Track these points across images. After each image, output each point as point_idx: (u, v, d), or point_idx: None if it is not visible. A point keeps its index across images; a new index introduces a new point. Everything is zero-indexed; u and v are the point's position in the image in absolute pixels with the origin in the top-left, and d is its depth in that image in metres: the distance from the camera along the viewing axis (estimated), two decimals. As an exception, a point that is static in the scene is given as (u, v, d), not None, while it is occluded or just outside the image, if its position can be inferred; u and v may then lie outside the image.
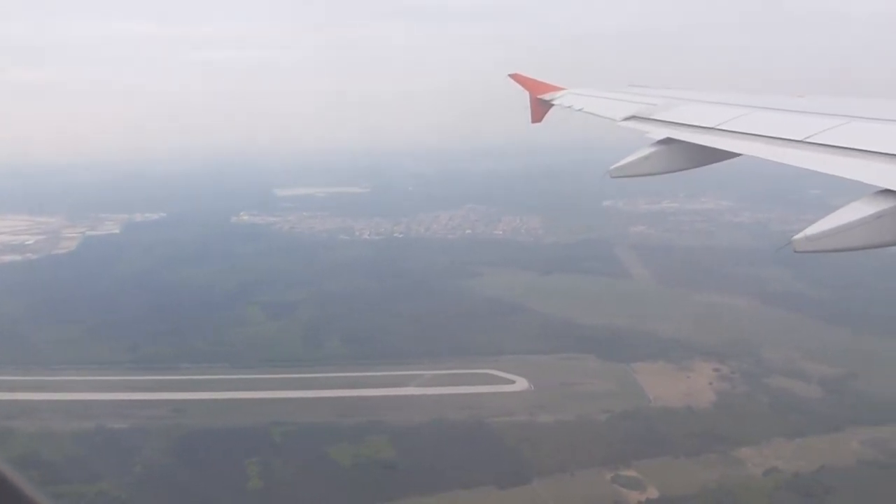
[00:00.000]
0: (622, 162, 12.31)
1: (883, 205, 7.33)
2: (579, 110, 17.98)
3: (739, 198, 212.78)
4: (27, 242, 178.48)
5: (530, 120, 20.91)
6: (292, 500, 62.18)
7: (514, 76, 21.20)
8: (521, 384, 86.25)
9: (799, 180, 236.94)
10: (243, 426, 76.31)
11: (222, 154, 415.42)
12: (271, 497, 62.68)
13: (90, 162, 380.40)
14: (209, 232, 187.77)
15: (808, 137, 9.46)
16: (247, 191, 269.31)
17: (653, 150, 12.10)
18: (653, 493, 62.20)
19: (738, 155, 11.00)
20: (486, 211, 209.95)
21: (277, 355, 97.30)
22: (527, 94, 21.09)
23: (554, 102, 19.66)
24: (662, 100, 14.87)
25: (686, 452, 68.52)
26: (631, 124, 14.42)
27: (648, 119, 13.54)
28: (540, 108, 19.94)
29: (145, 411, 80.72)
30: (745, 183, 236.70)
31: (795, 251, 7.54)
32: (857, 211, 7.47)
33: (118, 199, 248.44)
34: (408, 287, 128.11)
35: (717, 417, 76.06)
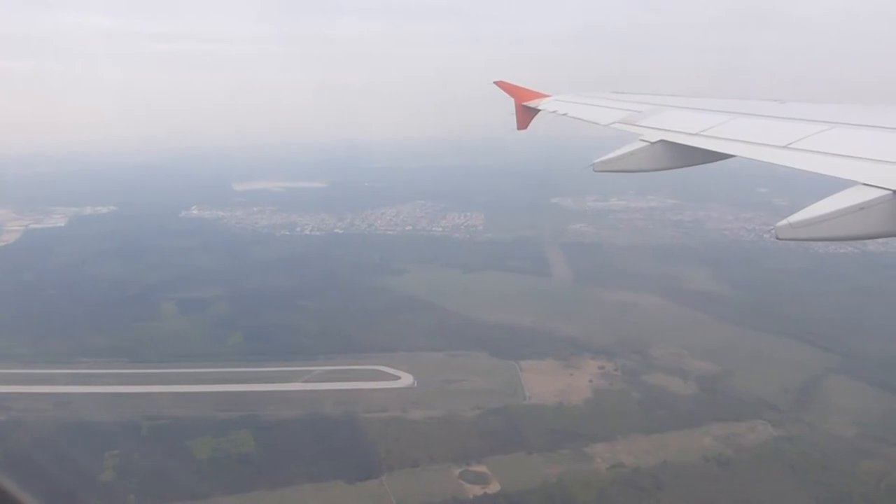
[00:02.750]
0: (607, 156, 12.48)
1: (866, 196, 7.45)
2: (563, 115, 18.29)
3: (687, 196, 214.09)
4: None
5: (516, 126, 21.02)
6: (135, 492, 62.53)
7: (499, 83, 21.46)
8: (405, 381, 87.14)
9: (751, 179, 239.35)
10: (117, 419, 76.82)
11: (189, 148, 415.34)
12: (116, 488, 63.23)
13: (53, 154, 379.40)
14: (154, 226, 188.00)
15: (790, 144, 9.74)
16: (205, 185, 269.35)
17: (639, 146, 12.29)
18: (494, 487, 63.26)
19: (723, 157, 11.26)
20: (434, 207, 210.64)
21: (177, 351, 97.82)
22: (512, 100, 21.20)
23: (539, 108, 19.78)
24: (646, 106, 15.15)
25: (540, 448, 69.57)
26: (617, 128, 14.58)
27: (633, 125, 13.80)
28: (525, 115, 20.30)
29: (26, 404, 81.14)
30: (698, 181, 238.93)
31: (778, 238, 7.75)
32: (841, 201, 7.56)
33: (73, 191, 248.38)
34: (327, 284, 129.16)
35: (583, 414, 77.25)
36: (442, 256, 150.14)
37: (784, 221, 7.64)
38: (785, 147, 9.77)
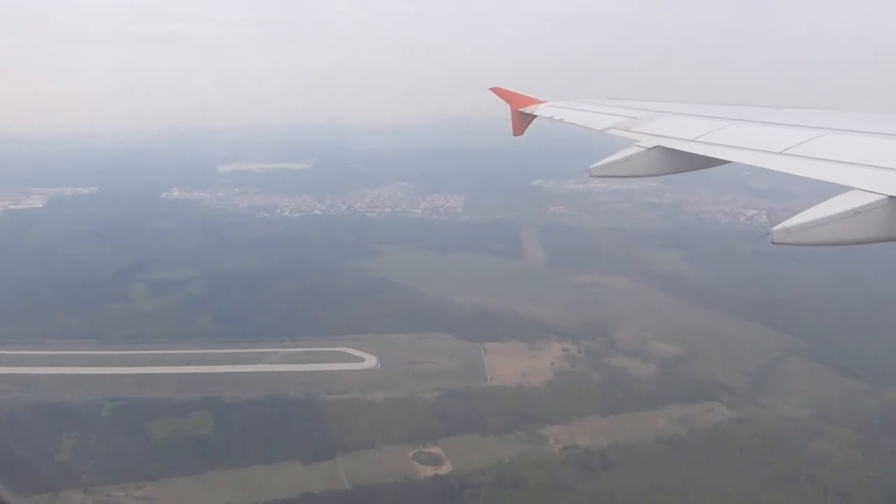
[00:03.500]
0: (603, 162, 12.52)
1: (861, 202, 7.51)
2: (559, 121, 18.37)
3: (668, 179, 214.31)
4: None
5: (512, 132, 20.96)
6: (90, 472, 62.86)
7: (494, 90, 21.56)
8: (369, 362, 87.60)
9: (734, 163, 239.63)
10: (79, 401, 77.02)
11: (175, 129, 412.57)
12: (72, 468, 63.56)
13: (35, 134, 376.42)
14: (133, 207, 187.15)
15: (786, 149, 9.81)
16: (189, 166, 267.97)
17: (635, 152, 12.30)
18: (446, 468, 63.91)
19: (719, 163, 11.35)
20: (415, 189, 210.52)
21: (145, 332, 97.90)
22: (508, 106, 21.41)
23: (535, 114, 19.69)
24: (642, 112, 15.19)
25: (496, 430, 70.18)
26: (613, 134, 14.62)
27: (629, 131, 13.86)
28: (521, 121, 20.44)
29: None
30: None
31: (773, 242, 7.71)
32: (837, 206, 7.61)
33: (54, 172, 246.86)
34: (301, 265, 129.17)
35: (542, 396, 77.86)
36: (418, 238, 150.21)
37: (780, 226, 7.75)
38: (780, 153, 9.91)
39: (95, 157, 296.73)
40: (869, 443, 66.51)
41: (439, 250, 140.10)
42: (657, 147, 12.18)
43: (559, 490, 59.66)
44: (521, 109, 20.55)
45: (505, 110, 22.82)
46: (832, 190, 8.01)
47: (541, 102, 20.67)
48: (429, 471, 63.74)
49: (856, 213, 7.48)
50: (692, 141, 11.82)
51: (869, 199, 7.57)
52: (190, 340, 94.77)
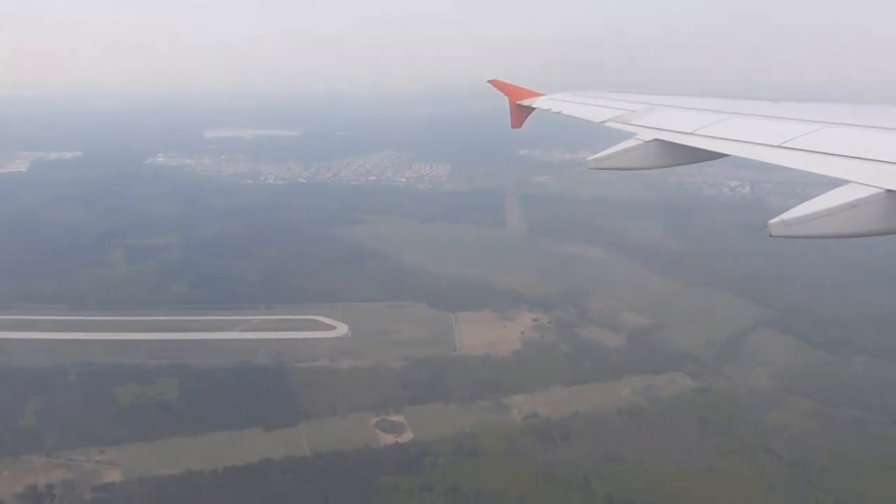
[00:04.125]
0: (601, 154, 12.46)
1: (859, 195, 7.49)
2: (557, 113, 18.23)
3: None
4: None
5: (511, 125, 20.72)
6: (53, 437, 63.18)
7: (493, 82, 21.23)
8: (340, 330, 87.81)
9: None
10: (48, 366, 77.19)
11: (165, 93, 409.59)
12: (35, 433, 63.93)
13: (24, 96, 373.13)
14: (117, 173, 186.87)
15: (784, 143, 9.75)
16: (176, 131, 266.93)
17: (633, 144, 12.26)
18: (407, 436, 64.35)
19: (717, 156, 11.23)
20: (402, 157, 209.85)
21: (120, 298, 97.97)
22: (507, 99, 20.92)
23: (534, 106, 19.58)
24: (640, 105, 15.15)
25: (460, 399, 70.55)
26: (611, 126, 14.53)
27: (627, 124, 13.80)
28: (519, 114, 20.22)
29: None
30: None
31: (771, 235, 7.63)
32: (834, 199, 7.56)
33: (40, 136, 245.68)
34: (281, 234, 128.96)
35: (509, 366, 78.18)
36: (401, 207, 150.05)
37: (777, 219, 7.64)
38: (778, 146, 9.84)
39: (81, 121, 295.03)
40: (827, 413, 67.12)
41: (420, 219, 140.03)
42: (655, 140, 12.19)
43: (516, 459, 60.12)
44: (519, 102, 20.47)
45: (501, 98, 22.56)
46: (830, 183, 8.01)
47: (539, 95, 20.56)
48: (389, 439, 64.16)
49: (854, 206, 7.46)
50: (690, 134, 11.82)
51: (867, 192, 7.56)
52: (164, 307, 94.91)
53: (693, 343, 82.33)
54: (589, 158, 12.71)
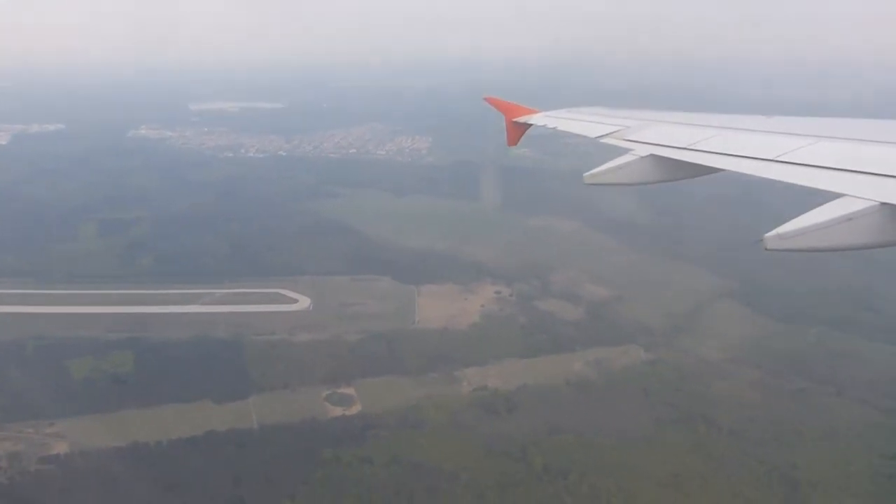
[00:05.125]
0: (597, 169, 12.70)
1: (853, 208, 7.63)
2: (553, 129, 18.34)
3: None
4: None
5: (507, 142, 20.82)
6: (3, 409, 63.71)
7: (489, 100, 21.27)
8: (302, 304, 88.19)
9: (694, 100, 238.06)
10: (4, 339, 77.81)
11: (153, 64, 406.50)
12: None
13: (12, 68, 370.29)
14: (97, 146, 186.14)
15: (779, 156, 9.89)
16: (160, 103, 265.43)
17: (628, 159, 12.44)
18: (355, 409, 64.98)
19: (712, 171, 11.32)
20: (385, 130, 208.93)
21: (87, 272, 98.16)
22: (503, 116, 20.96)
23: (530, 123, 19.52)
24: (635, 121, 15.27)
25: (412, 372, 71.08)
26: (607, 142, 14.71)
27: (623, 140, 14.00)
28: (515, 131, 20.25)
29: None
30: (639, 106, 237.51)
31: (766, 249, 7.78)
32: (828, 212, 7.71)
33: (23, 108, 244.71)
34: (253, 207, 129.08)
35: (465, 339, 78.66)
36: (378, 180, 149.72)
37: (773, 232, 7.77)
38: (773, 160, 9.98)
39: (67, 94, 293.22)
40: (773, 383, 67.72)
41: (396, 193, 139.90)
42: (651, 155, 12.33)
43: (459, 431, 60.73)
44: (515, 119, 20.57)
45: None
46: (824, 196, 8.13)
47: (535, 112, 20.69)
48: (337, 411, 64.76)
49: (848, 219, 7.60)
50: (685, 149, 11.93)
51: (861, 205, 7.69)
52: (129, 281, 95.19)
53: (651, 315, 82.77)
54: (585, 174, 12.98)
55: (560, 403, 64.67)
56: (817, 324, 79.31)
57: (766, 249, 7.79)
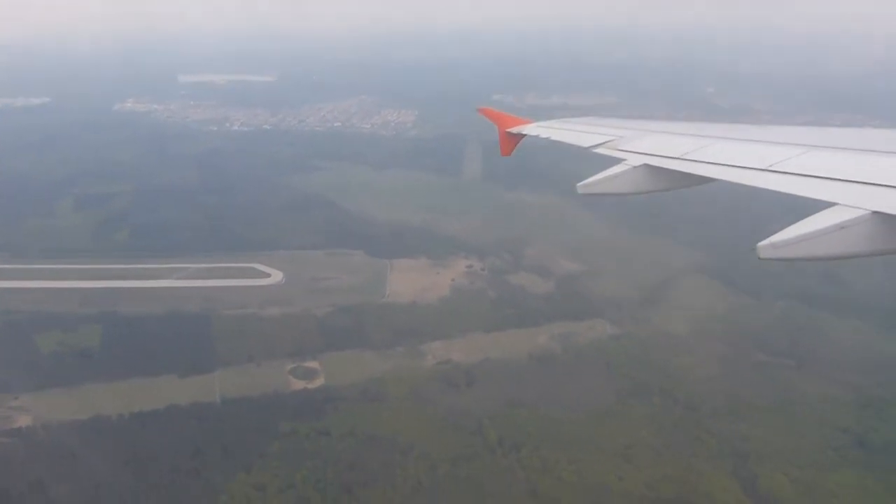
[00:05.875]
0: (591, 179, 12.47)
1: (845, 216, 7.70)
2: (546, 138, 18.19)
3: (628, 94, 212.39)
4: None
5: (500, 153, 20.76)
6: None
7: (482, 110, 21.36)
8: (275, 278, 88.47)
9: (695, 74, 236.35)
10: (-24, 315, 78.03)
11: (149, 35, 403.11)
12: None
13: (3, 41, 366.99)
14: (82, 119, 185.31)
15: (771, 166, 9.91)
16: (149, 76, 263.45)
17: (622, 169, 12.41)
18: (318, 382, 65.57)
19: (705, 181, 11.36)
20: (372, 103, 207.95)
21: (62, 246, 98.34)
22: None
23: (523, 133, 19.59)
24: (629, 132, 15.17)
25: (378, 346, 71.58)
26: (600, 152, 14.59)
27: (616, 150, 13.91)
28: (509, 142, 20.23)
29: None
30: (642, 79, 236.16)
31: (760, 258, 7.82)
32: (821, 221, 7.76)
33: (10, 81, 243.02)
34: (233, 182, 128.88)
35: (433, 313, 79.02)
36: (360, 154, 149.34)
37: (766, 241, 7.82)
38: (765, 169, 10.03)
39: (54, 66, 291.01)
40: (734, 357, 68.20)
41: (377, 167, 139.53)
42: (644, 165, 12.36)
43: (417, 405, 61.33)
44: (508, 130, 20.62)
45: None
46: (817, 206, 8.21)
47: (528, 122, 20.74)
48: (300, 385, 65.30)
49: (840, 227, 7.66)
50: (678, 159, 11.99)
51: (853, 213, 7.77)
52: (104, 255, 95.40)
53: (621, 289, 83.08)
54: (578, 184, 12.76)
55: (521, 377, 65.15)
56: (784, 298, 79.58)
57: (760, 259, 7.91)
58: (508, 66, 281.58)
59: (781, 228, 7.89)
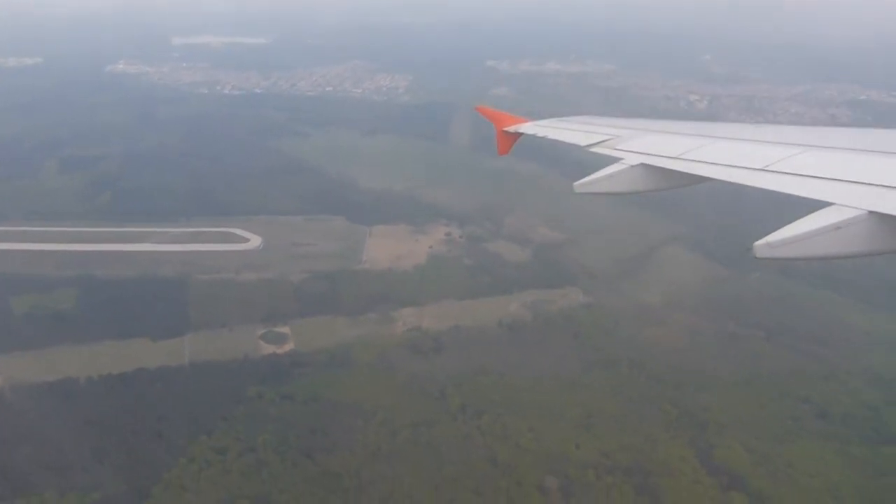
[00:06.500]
0: (588, 178, 12.52)
1: (842, 217, 7.71)
2: (542, 137, 18.01)
3: (626, 62, 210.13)
4: None
5: (497, 152, 20.95)
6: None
7: (479, 109, 20.99)
8: (253, 243, 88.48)
9: (694, 41, 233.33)
10: (-49, 276, 78.19)
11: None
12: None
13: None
14: (73, 80, 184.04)
15: (768, 166, 9.93)
16: (143, 36, 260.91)
17: (619, 168, 12.41)
18: (287, 347, 65.90)
19: (702, 180, 11.34)
20: (366, 68, 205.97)
21: (44, 209, 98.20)
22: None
23: (520, 132, 19.30)
24: (626, 131, 15.01)
25: (350, 312, 71.79)
26: (597, 152, 14.43)
27: (613, 149, 13.83)
28: (506, 140, 19.72)
29: None
30: (638, 47, 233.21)
31: (756, 257, 7.86)
32: (817, 221, 7.78)
33: (3, 41, 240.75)
34: (219, 146, 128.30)
35: (408, 280, 79.12)
36: (349, 119, 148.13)
37: (762, 241, 7.83)
38: (762, 169, 10.01)
39: (49, 26, 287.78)
40: (704, 328, 68.38)
41: (365, 132, 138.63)
42: (641, 164, 12.32)
43: (383, 371, 61.64)
44: (505, 129, 20.35)
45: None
46: (815, 206, 8.18)
47: (525, 121, 20.49)
48: (270, 349, 65.60)
49: (836, 227, 7.66)
50: (675, 158, 11.96)
51: (849, 213, 7.77)
52: (85, 218, 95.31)
53: (599, 259, 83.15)
54: (575, 183, 12.76)
55: (488, 345, 65.43)
56: (760, 269, 79.28)
57: (756, 258, 7.91)
58: (505, 32, 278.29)
59: (777, 228, 7.88)
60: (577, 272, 79.94)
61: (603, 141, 14.54)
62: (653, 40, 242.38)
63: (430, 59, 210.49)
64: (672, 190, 12.54)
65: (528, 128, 19.29)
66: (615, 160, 12.88)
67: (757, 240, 7.83)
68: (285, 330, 68.83)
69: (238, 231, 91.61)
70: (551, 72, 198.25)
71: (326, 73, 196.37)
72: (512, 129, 19.72)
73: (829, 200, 8.20)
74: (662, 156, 12.24)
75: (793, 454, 51.51)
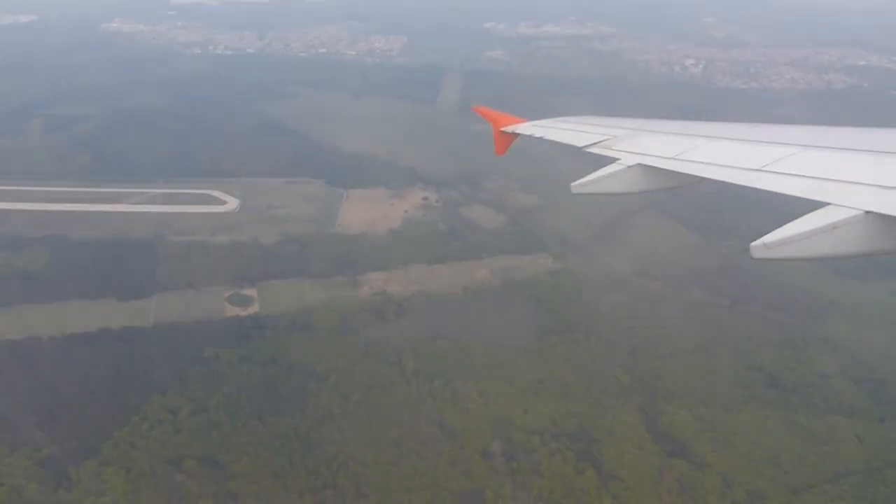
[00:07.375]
0: (585, 178, 12.52)
1: (838, 217, 7.77)
2: (540, 138, 18.14)
3: (626, 25, 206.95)
4: None
5: (494, 152, 20.67)
6: None
7: (477, 109, 21.37)
8: (230, 205, 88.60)
9: (698, 4, 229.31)
10: (-76, 234, 78.81)
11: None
12: None
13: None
14: (67, 39, 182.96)
15: (764, 166, 9.97)
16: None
17: (616, 169, 12.43)
18: (252, 310, 66.34)
19: (698, 180, 11.38)
20: (362, 29, 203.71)
21: (23, 168, 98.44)
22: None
23: (517, 132, 19.46)
24: (623, 131, 15.06)
25: (318, 275, 72.14)
26: (594, 152, 14.57)
27: (610, 149, 13.88)
28: (503, 140, 20.16)
29: None
30: (641, 10, 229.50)
31: (753, 258, 7.88)
32: (814, 221, 7.83)
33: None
34: (205, 107, 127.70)
35: (380, 244, 79.21)
36: (339, 81, 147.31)
37: (759, 241, 7.87)
38: (758, 170, 10.04)
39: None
40: (669, 295, 68.40)
41: (354, 94, 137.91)
42: (638, 165, 12.33)
43: (342, 334, 62.04)
44: (502, 129, 20.38)
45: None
46: (811, 206, 8.23)
47: (522, 121, 20.48)
48: (234, 311, 66.08)
49: (833, 227, 7.71)
50: (672, 158, 11.98)
51: (845, 214, 7.82)
52: (64, 178, 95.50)
53: (572, 225, 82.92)
54: (573, 184, 12.72)
55: (451, 310, 65.72)
56: (734, 237, 78.97)
57: (753, 258, 7.91)
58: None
59: (774, 228, 7.88)
60: (549, 239, 79.92)
61: (600, 141, 14.63)
62: (657, 2, 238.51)
63: (427, 21, 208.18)
64: (670, 190, 12.56)
65: (526, 128, 19.44)
66: (612, 160, 12.92)
67: (753, 240, 7.79)
68: (252, 293, 69.24)
69: (216, 193, 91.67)
70: (548, 35, 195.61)
71: (321, 34, 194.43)
72: (509, 129, 19.96)
73: (826, 200, 8.23)
74: (659, 156, 12.26)
75: (738, 422, 51.87)
